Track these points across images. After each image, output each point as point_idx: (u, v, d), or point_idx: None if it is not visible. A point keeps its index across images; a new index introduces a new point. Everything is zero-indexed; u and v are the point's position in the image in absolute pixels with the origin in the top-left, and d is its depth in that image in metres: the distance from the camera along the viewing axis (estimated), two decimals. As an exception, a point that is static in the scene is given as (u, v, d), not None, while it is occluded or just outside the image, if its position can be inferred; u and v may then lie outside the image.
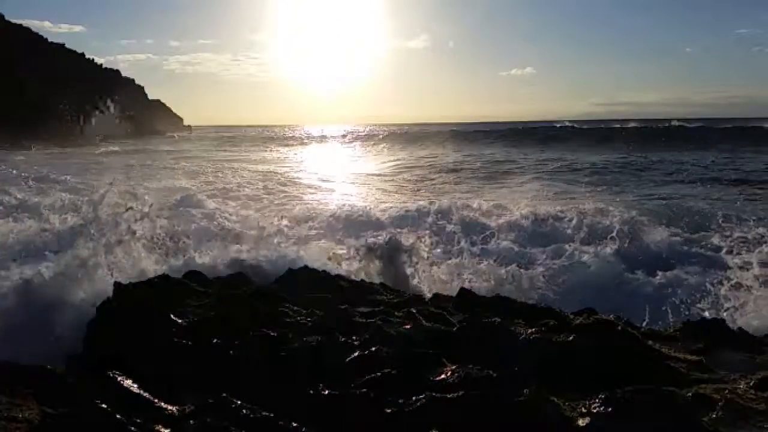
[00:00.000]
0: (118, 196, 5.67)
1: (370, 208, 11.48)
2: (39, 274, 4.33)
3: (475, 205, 11.25)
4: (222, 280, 4.82)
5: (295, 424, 2.55)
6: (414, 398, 2.70)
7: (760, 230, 6.23)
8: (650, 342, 3.68)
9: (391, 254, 6.41)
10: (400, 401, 2.70)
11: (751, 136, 36.84)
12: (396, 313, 3.96)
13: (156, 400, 2.83)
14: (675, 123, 55.41)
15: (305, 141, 66.68)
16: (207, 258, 5.59)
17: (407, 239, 6.66)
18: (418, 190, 18.61)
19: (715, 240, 6.86)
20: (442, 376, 2.97)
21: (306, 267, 5.12)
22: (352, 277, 5.40)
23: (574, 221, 8.93)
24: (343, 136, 70.87)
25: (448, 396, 2.71)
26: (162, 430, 2.57)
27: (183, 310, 3.86)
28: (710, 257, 5.99)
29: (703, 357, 3.63)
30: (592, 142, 36.72)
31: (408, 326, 3.64)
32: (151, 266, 5.11)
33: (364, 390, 2.82)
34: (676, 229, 7.76)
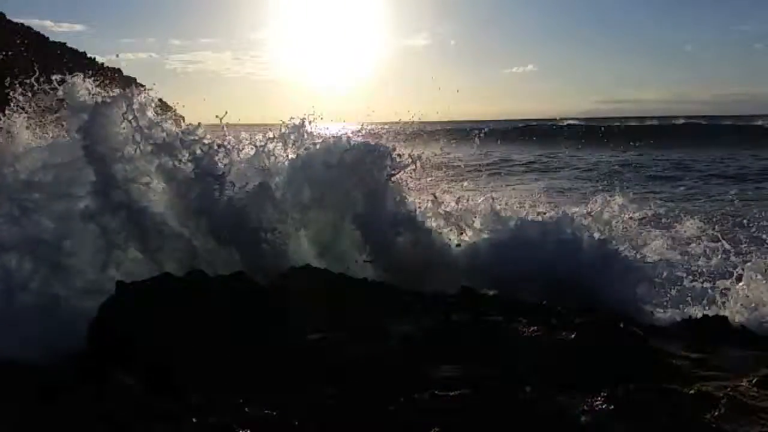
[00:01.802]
0: None
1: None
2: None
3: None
4: (224, 279, 4.82)
5: (296, 423, 2.55)
6: (415, 396, 2.70)
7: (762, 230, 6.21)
8: (652, 340, 3.68)
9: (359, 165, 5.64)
10: (401, 400, 2.70)
11: (754, 133, 36.75)
12: (397, 311, 3.96)
13: (158, 399, 2.83)
14: (679, 121, 55.19)
15: (305, 141, 66.34)
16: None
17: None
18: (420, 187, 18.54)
19: (719, 239, 6.84)
20: (444, 374, 2.97)
21: (308, 265, 5.11)
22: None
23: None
24: (344, 134, 70.44)
25: (450, 394, 2.71)
26: (163, 429, 2.57)
27: (185, 309, 3.86)
28: (713, 256, 5.95)
29: (706, 355, 3.63)
30: (596, 140, 36.61)
31: (409, 324, 3.65)
32: None
33: (365, 388, 2.82)
34: (680, 228, 7.73)
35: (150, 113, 5.24)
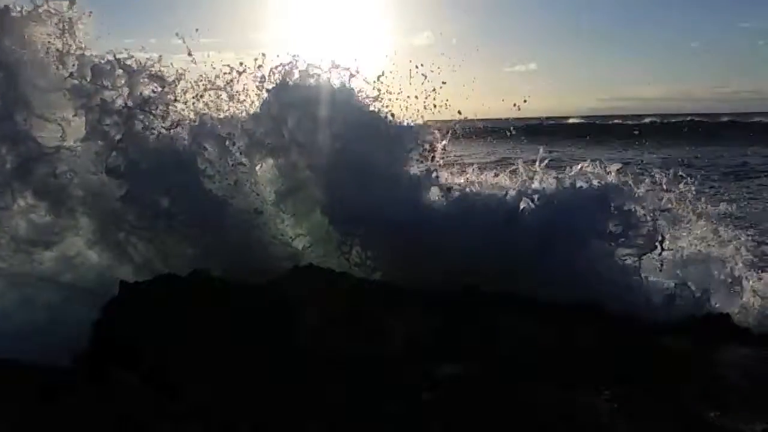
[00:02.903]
0: None
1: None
2: None
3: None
4: (226, 278, 4.82)
5: (296, 423, 2.56)
6: (416, 395, 2.70)
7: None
8: (653, 338, 3.67)
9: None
10: (402, 399, 2.70)
11: (756, 130, 36.59)
12: (397, 311, 3.96)
13: (160, 399, 2.84)
14: (682, 118, 54.95)
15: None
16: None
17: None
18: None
19: (723, 237, 6.83)
20: (444, 373, 2.97)
21: (311, 265, 5.11)
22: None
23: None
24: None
25: (450, 393, 2.71)
26: (165, 428, 2.58)
27: (187, 309, 3.87)
28: (717, 256, 5.94)
29: (708, 353, 3.61)
30: (599, 138, 36.48)
31: (409, 323, 3.65)
32: None
33: (366, 388, 2.82)
34: (686, 225, 7.71)
35: (81, 33, 4.05)
